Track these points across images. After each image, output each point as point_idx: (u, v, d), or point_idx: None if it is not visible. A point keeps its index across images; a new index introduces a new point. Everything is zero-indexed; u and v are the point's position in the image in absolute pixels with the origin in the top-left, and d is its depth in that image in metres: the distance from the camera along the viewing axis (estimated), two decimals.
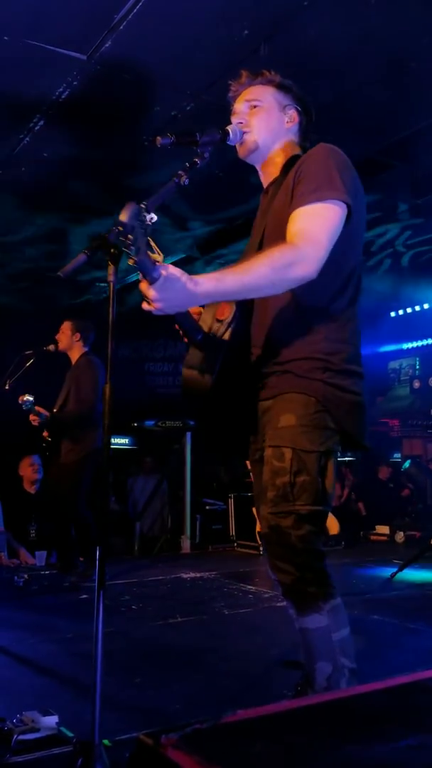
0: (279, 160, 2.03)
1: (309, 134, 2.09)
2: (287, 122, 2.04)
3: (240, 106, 2.03)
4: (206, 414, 2.00)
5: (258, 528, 6.18)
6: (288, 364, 1.88)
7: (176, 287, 1.58)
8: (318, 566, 1.82)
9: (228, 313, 1.89)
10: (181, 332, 1.91)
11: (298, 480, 1.79)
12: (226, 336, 1.88)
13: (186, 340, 1.94)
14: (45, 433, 4.79)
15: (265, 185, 2.09)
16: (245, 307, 1.95)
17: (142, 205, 1.51)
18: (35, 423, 4.64)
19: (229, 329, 1.88)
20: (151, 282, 1.57)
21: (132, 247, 1.47)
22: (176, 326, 1.89)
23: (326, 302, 1.89)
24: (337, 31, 3.26)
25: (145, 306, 1.63)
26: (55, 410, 4.77)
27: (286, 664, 2.34)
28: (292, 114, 2.05)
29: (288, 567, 1.79)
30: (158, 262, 1.56)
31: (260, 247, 1.93)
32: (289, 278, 1.69)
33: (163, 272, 1.57)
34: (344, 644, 1.81)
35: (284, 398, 1.87)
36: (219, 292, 1.64)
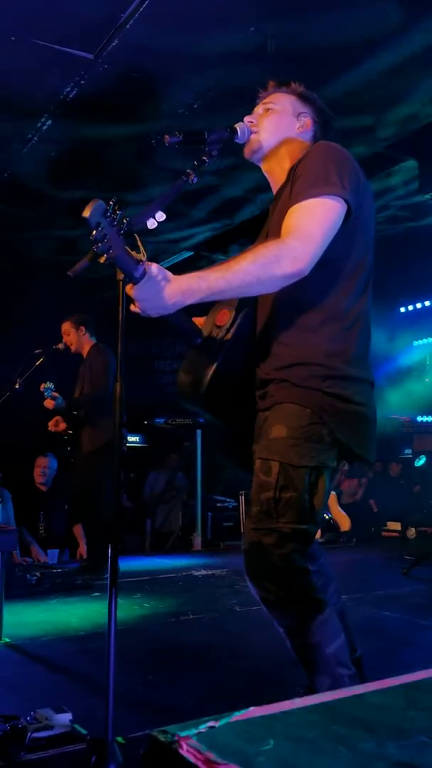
0: (286, 165, 1.96)
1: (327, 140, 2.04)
2: (298, 127, 1.98)
3: (257, 109, 2.03)
4: (207, 419, 1.94)
5: None
6: (286, 370, 1.79)
7: (158, 287, 1.55)
8: (302, 583, 1.73)
9: (227, 319, 1.84)
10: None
11: (284, 496, 1.69)
12: (225, 340, 1.83)
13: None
14: (63, 426, 4.80)
15: (274, 190, 2.04)
16: (249, 313, 1.90)
17: (111, 202, 1.46)
18: (50, 406, 4.65)
19: (229, 335, 1.82)
20: (134, 282, 1.54)
21: (99, 245, 1.44)
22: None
23: (328, 302, 1.80)
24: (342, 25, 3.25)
25: (132, 308, 1.62)
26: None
27: (296, 663, 2.34)
28: (306, 121, 2.00)
29: (270, 585, 1.72)
30: (140, 261, 1.53)
31: None
32: (277, 275, 1.63)
33: (146, 270, 1.54)
34: (339, 654, 1.78)
35: (279, 408, 1.78)
36: (202, 290, 1.58)
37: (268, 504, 1.70)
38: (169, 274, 1.58)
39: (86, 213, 1.42)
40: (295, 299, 1.79)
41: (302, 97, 2.02)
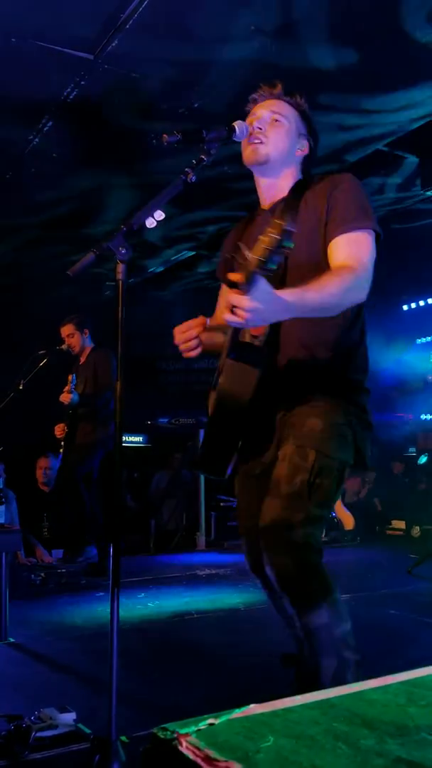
0: (284, 183, 2.04)
1: (309, 170, 2.11)
2: (299, 150, 2.05)
3: (262, 112, 2.02)
4: (229, 430, 1.95)
5: None
6: (318, 380, 1.94)
7: (269, 299, 1.57)
8: (316, 562, 1.83)
9: (263, 330, 1.88)
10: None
11: (317, 481, 1.82)
12: (264, 351, 1.89)
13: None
14: (59, 430, 4.85)
15: (265, 202, 2.09)
16: (275, 324, 1.92)
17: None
18: (66, 400, 4.69)
19: (265, 344, 1.88)
20: (247, 291, 1.52)
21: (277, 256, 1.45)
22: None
23: (351, 323, 1.98)
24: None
25: (229, 317, 1.58)
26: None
27: (284, 659, 2.34)
28: (305, 144, 2.07)
29: (288, 561, 1.80)
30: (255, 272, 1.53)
31: (285, 265, 1.91)
32: (349, 301, 1.79)
33: (261, 283, 1.54)
34: (346, 638, 1.82)
35: (314, 407, 1.91)
36: (299, 308, 1.67)
37: (302, 486, 1.82)
38: (273, 289, 1.59)
39: (290, 226, 1.44)
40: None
41: (304, 116, 2.06)
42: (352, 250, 1.84)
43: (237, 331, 1.90)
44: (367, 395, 2.01)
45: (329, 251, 1.88)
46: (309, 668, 1.86)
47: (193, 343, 2.00)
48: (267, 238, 1.44)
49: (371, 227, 1.88)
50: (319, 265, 1.85)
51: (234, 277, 1.54)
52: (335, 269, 1.80)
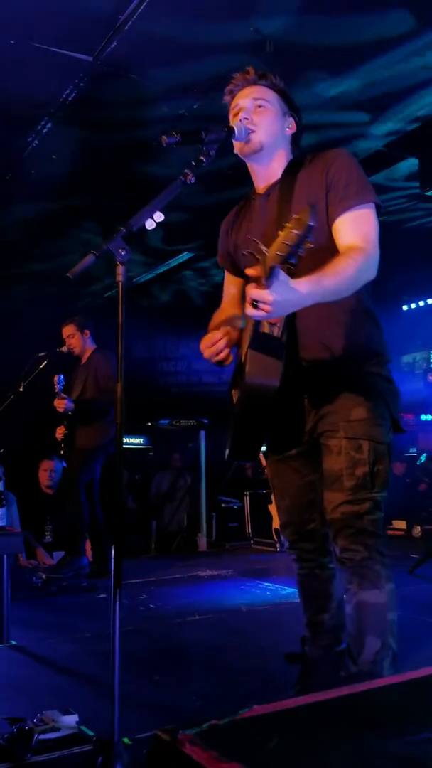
0: (277, 165, 2.05)
1: (299, 146, 2.12)
2: (287, 129, 2.07)
3: (244, 102, 2.02)
4: (261, 419, 1.96)
5: (275, 525, 6.17)
6: (348, 361, 1.97)
7: (288, 289, 1.60)
8: (383, 549, 1.93)
9: (280, 318, 1.87)
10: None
11: (375, 469, 1.92)
12: (283, 338, 1.89)
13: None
14: (59, 433, 4.84)
15: (260, 187, 2.10)
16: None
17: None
18: (61, 407, 4.66)
19: (285, 332, 1.89)
20: (267, 285, 1.54)
21: (301, 249, 1.46)
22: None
23: (366, 299, 2.02)
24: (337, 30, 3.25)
25: (252, 311, 1.60)
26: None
27: (289, 658, 2.34)
28: (291, 122, 2.09)
29: (359, 547, 1.89)
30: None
31: None
32: (363, 280, 1.82)
33: (278, 277, 1.56)
34: (394, 626, 1.89)
35: (351, 393, 1.96)
36: (319, 294, 1.69)
37: (364, 478, 1.92)
38: (290, 279, 1.61)
39: (312, 221, 1.44)
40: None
41: (283, 95, 2.07)
42: (359, 229, 1.88)
43: (257, 322, 1.91)
44: (389, 365, 2.06)
45: (335, 231, 1.90)
46: (348, 647, 1.93)
47: (224, 353, 2.00)
48: (287, 233, 1.45)
49: (372, 201, 1.91)
50: (324, 246, 1.86)
51: (253, 271, 1.57)
52: (346, 251, 1.82)
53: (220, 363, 2.02)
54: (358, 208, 1.88)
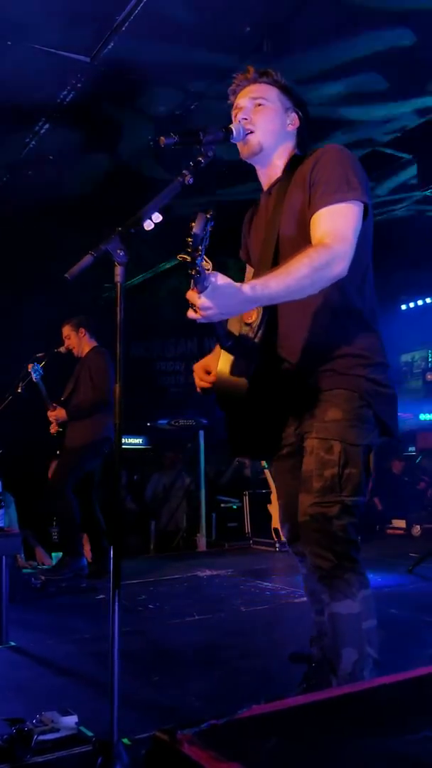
0: (279, 162, 2.05)
1: (306, 139, 2.11)
2: (289, 125, 2.06)
3: (244, 102, 2.02)
4: (241, 417, 2.01)
5: (274, 524, 6.17)
6: (329, 362, 1.93)
7: (226, 294, 1.60)
8: (355, 555, 1.87)
9: (255, 316, 1.91)
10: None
11: (345, 472, 1.86)
12: (258, 338, 1.90)
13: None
14: (53, 429, 4.85)
15: (265, 186, 2.11)
16: (270, 310, 1.95)
17: (209, 216, 1.50)
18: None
19: (260, 332, 1.90)
20: (201, 290, 1.57)
21: (198, 258, 1.47)
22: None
23: (353, 298, 1.96)
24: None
25: (191, 314, 1.64)
26: (63, 398, 4.85)
27: (292, 658, 2.33)
28: (294, 117, 2.07)
29: (327, 554, 1.84)
30: (207, 269, 1.56)
31: (277, 246, 1.96)
32: (327, 276, 1.74)
33: (213, 280, 1.57)
34: (371, 634, 1.86)
35: (329, 394, 1.92)
36: (265, 297, 1.67)
37: (333, 479, 1.86)
38: (234, 283, 1.62)
39: (196, 229, 1.46)
40: (324, 297, 1.89)
41: (284, 90, 2.06)
42: (331, 224, 1.81)
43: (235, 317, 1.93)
44: (382, 367, 1.98)
45: (311, 227, 1.85)
46: (327, 657, 1.89)
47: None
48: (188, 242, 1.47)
49: (354, 198, 1.83)
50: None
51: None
52: (308, 248, 1.76)
53: (206, 392, 2.06)
54: (336, 205, 1.82)
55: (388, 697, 1.01)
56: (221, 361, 1.96)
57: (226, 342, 1.88)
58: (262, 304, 1.74)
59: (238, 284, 1.62)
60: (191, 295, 1.60)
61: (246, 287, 1.63)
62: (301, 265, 1.70)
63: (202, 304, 1.59)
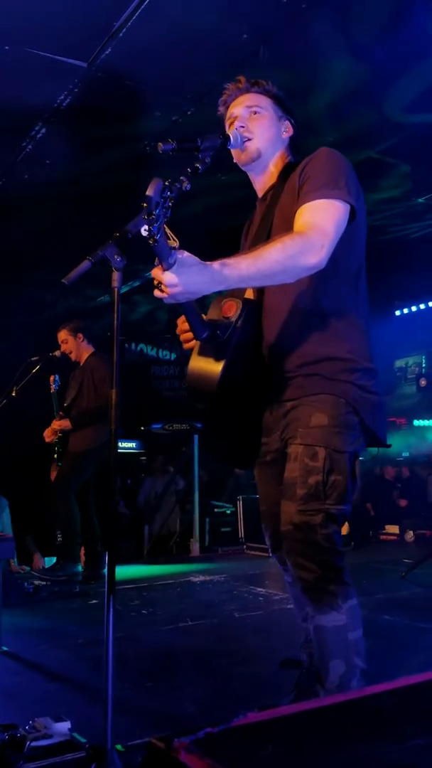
0: (274, 169, 2.08)
1: (299, 147, 2.13)
2: (284, 133, 2.08)
3: (239, 111, 2.04)
4: (212, 413, 1.99)
5: None
6: (315, 365, 1.90)
7: (193, 271, 1.56)
8: (339, 565, 1.83)
9: (234, 311, 1.87)
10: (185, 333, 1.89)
11: (330, 479, 1.82)
12: (235, 334, 1.85)
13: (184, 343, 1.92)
14: (48, 436, 4.86)
15: (260, 193, 2.13)
16: (253, 307, 1.95)
17: (166, 183, 1.46)
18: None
19: (238, 325, 1.85)
20: (167, 267, 1.53)
21: (155, 224, 1.41)
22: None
23: (341, 303, 1.94)
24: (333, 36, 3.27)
25: (157, 293, 1.60)
26: (65, 404, 4.86)
27: (283, 664, 2.33)
28: (287, 125, 2.09)
29: (311, 565, 1.81)
30: (174, 248, 1.52)
31: None
32: (300, 265, 1.71)
33: (179, 256, 1.54)
34: (358, 644, 1.83)
35: (314, 399, 1.88)
36: (233, 278, 1.63)
37: (317, 487, 1.82)
38: (200, 260, 1.58)
39: (150, 192, 1.40)
40: (312, 300, 1.89)
41: (276, 99, 2.08)
42: (310, 216, 1.79)
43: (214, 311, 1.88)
44: (370, 373, 1.94)
45: (294, 222, 1.83)
46: (314, 668, 1.87)
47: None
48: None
49: (339, 197, 1.81)
50: None
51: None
52: (283, 235, 1.74)
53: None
54: (318, 200, 1.81)
55: (382, 705, 1.01)
56: (193, 355, 1.88)
57: (201, 334, 1.81)
58: (231, 285, 1.68)
59: (206, 262, 1.59)
60: (156, 272, 1.56)
61: (215, 264, 1.60)
62: (273, 249, 1.67)
63: (168, 281, 1.55)
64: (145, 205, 1.39)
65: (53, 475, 5.73)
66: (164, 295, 1.59)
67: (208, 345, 1.84)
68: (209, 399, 1.84)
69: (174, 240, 1.52)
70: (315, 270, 1.74)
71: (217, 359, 1.81)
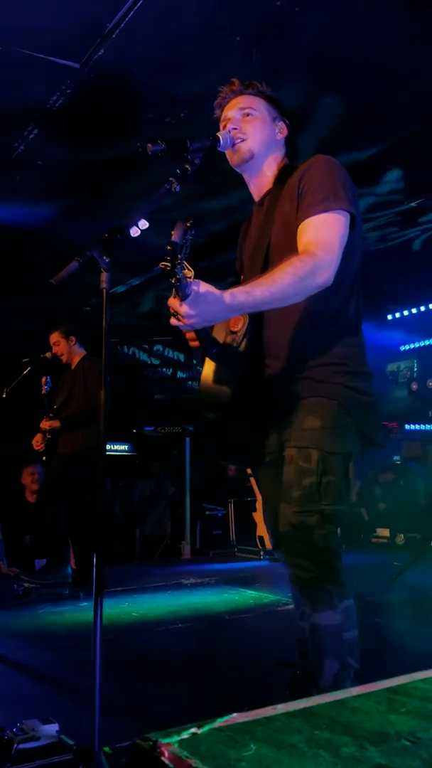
0: (270, 173, 2.08)
1: (294, 148, 2.13)
2: (278, 134, 2.09)
3: (232, 113, 2.05)
4: (224, 426, 2.03)
5: (259, 532, 6.17)
6: (308, 370, 1.94)
7: (209, 301, 1.60)
8: (336, 565, 1.86)
9: (241, 324, 1.93)
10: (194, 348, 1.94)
11: (324, 480, 1.85)
12: (242, 347, 1.92)
13: (195, 355, 1.98)
14: (36, 442, 4.85)
15: (256, 196, 2.13)
16: (256, 317, 1.97)
17: (188, 224, 1.52)
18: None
19: (245, 340, 1.91)
20: (183, 298, 1.57)
21: (178, 267, 1.48)
22: (194, 343, 1.90)
23: (338, 308, 1.97)
24: (326, 38, 3.28)
25: (174, 322, 1.65)
26: (55, 407, 4.84)
27: (278, 665, 2.33)
28: (282, 126, 2.10)
29: (308, 564, 1.84)
30: (189, 278, 1.57)
31: (267, 255, 1.98)
32: (312, 285, 1.75)
33: (195, 288, 1.58)
34: (352, 645, 1.85)
35: (307, 402, 1.92)
36: (249, 304, 1.68)
37: (311, 488, 1.85)
38: (216, 290, 1.62)
39: (175, 237, 1.48)
40: (309, 306, 1.90)
41: (270, 100, 2.09)
42: (316, 233, 1.82)
43: (221, 325, 1.95)
44: (363, 376, 1.98)
45: (297, 237, 1.86)
46: (308, 668, 1.88)
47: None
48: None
49: (341, 208, 1.84)
50: None
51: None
52: (292, 257, 1.77)
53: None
54: (323, 214, 1.83)
55: (366, 706, 1.01)
56: (205, 368, 1.98)
57: (210, 349, 1.90)
58: (245, 311, 1.75)
59: (220, 292, 1.63)
60: (173, 302, 1.60)
61: (228, 295, 1.64)
62: (285, 273, 1.71)
63: (184, 312, 1.59)
64: (169, 248, 1.46)
65: (28, 476, 5.75)
66: (180, 324, 1.64)
67: (218, 360, 1.92)
68: (220, 411, 1.92)
69: (189, 270, 1.57)
70: (324, 287, 1.78)
71: (229, 374, 1.88)
